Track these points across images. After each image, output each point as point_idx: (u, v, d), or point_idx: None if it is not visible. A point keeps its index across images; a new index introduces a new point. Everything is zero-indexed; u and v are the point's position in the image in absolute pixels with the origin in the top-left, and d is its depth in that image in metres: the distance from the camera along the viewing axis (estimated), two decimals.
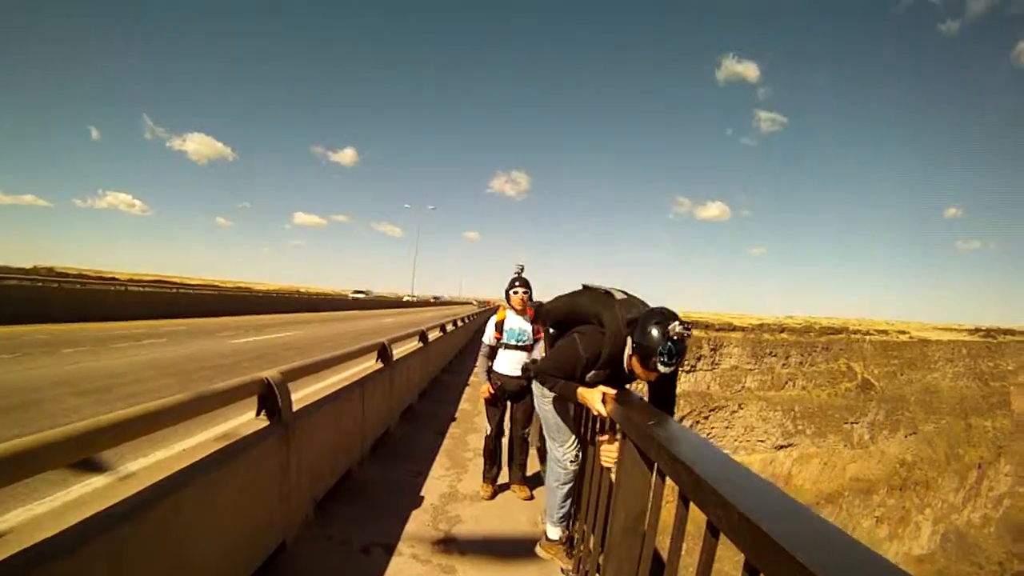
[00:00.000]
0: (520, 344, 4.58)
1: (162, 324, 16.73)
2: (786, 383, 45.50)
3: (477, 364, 4.76)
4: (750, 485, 1.23)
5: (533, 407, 4.41)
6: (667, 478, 1.66)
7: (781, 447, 42.34)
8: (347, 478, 4.44)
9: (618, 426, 2.35)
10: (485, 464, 4.68)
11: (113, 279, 27.54)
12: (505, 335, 4.57)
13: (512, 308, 4.60)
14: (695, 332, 42.17)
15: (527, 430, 4.73)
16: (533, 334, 4.61)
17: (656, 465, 1.72)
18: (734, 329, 46.53)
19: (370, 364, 5.91)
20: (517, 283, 4.56)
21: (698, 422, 40.01)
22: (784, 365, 46.24)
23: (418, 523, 3.89)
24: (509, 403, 4.66)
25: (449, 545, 3.59)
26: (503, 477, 4.78)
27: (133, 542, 1.78)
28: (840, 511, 40.39)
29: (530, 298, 4.58)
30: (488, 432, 4.64)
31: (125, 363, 9.03)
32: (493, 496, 4.56)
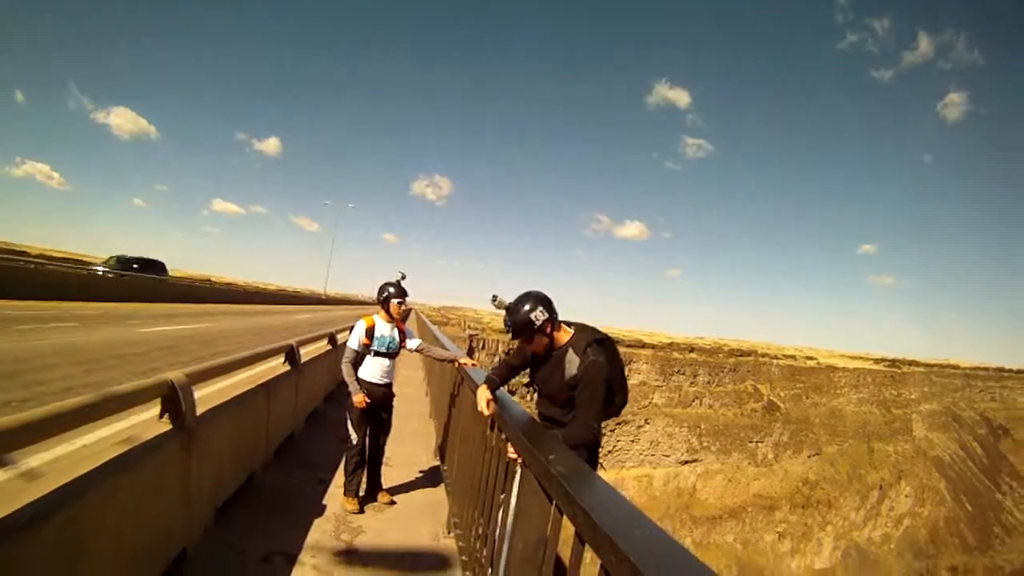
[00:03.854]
0: (390, 351, 4.53)
1: (72, 307, 15.76)
2: (693, 401, 47.28)
3: (343, 372, 4.44)
4: (646, 534, 1.19)
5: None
6: (564, 515, 1.60)
7: (686, 462, 43.90)
8: (249, 483, 4.41)
9: (504, 435, 2.57)
10: (349, 476, 4.43)
11: (24, 253, 25.52)
12: (376, 342, 4.45)
13: (387, 315, 4.53)
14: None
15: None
16: (399, 342, 4.61)
17: (555, 501, 1.68)
18: (644, 346, 47.88)
19: (277, 364, 5.78)
20: (394, 290, 4.50)
21: (604, 435, 41.09)
22: (692, 384, 48.06)
23: (321, 532, 3.90)
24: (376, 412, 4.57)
25: (352, 556, 3.63)
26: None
27: (31, 553, 1.77)
28: (743, 526, 42.31)
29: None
30: (354, 442, 4.42)
31: (31, 347, 8.56)
32: (361, 510, 4.38)
